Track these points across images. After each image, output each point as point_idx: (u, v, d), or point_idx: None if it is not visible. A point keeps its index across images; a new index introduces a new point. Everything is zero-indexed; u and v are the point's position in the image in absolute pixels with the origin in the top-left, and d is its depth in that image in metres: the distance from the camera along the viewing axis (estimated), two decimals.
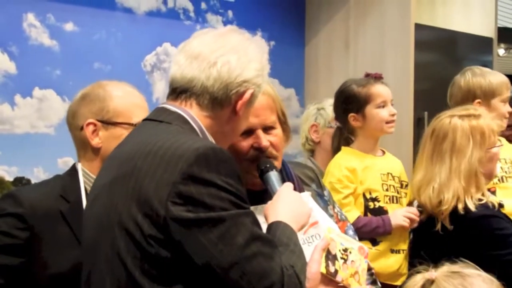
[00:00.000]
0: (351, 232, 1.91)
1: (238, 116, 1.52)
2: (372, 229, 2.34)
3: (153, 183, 1.33)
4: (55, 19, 2.97)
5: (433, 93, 3.10)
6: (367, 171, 2.42)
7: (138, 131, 1.55)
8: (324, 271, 1.46)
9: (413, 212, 2.38)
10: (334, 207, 1.93)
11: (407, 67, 3.57)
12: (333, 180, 2.39)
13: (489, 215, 2.31)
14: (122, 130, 1.83)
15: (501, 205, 2.48)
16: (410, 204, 2.49)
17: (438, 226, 2.30)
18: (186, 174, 1.31)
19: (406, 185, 2.49)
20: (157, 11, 3.38)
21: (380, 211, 2.40)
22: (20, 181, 2.83)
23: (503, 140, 2.84)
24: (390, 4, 3.66)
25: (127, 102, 1.88)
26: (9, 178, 2.82)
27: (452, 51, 4.30)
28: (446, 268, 1.52)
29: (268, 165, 1.66)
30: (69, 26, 3.03)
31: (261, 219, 1.51)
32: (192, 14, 3.54)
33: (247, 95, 1.51)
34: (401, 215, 2.36)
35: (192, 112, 1.49)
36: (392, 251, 2.40)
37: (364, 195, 2.41)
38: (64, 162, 2.74)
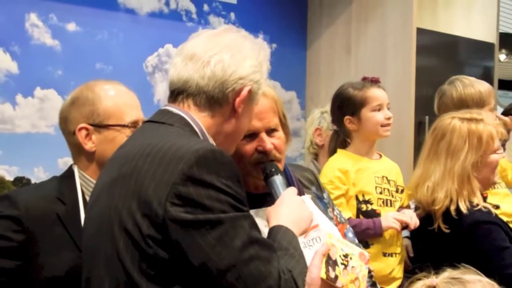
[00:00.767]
0: (350, 234, 1.91)
1: (238, 114, 1.52)
2: (362, 230, 2.32)
3: (153, 184, 1.33)
4: (57, 19, 2.98)
5: (434, 98, 3.11)
6: (361, 173, 2.42)
7: (139, 133, 1.55)
8: (324, 276, 1.46)
9: (406, 216, 2.37)
10: (333, 209, 1.93)
11: (408, 71, 3.57)
12: (324, 181, 2.38)
13: (485, 221, 2.32)
14: (115, 132, 1.82)
15: (497, 207, 2.50)
16: (402, 208, 2.48)
17: (435, 225, 2.32)
18: (186, 175, 1.31)
19: (402, 190, 2.49)
20: (159, 12, 3.39)
21: (373, 214, 2.39)
22: (20, 181, 2.84)
23: None
24: (392, 8, 3.67)
25: (117, 102, 1.85)
26: (10, 177, 2.82)
27: (453, 56, 4.30)
28: (447, 274, 1.52)
29: (273, 169, 1.66)
30: (71, 26, 3.03)
31: (262, 223, 1.52)
32: (194, 16, 3.55)
33: (244, 92, 1.50)
34: (392, 217, 2.35)
35: (192, 113, 1.49)
36: (385, 254, 2.39)
37: (357, 197, 2.41)
38: (65, 162, 2.73)
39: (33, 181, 2.84)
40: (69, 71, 3.00)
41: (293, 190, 1.62)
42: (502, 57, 6.70)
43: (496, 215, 2.40)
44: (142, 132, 1.54)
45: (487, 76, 4.51)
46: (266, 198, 1.67)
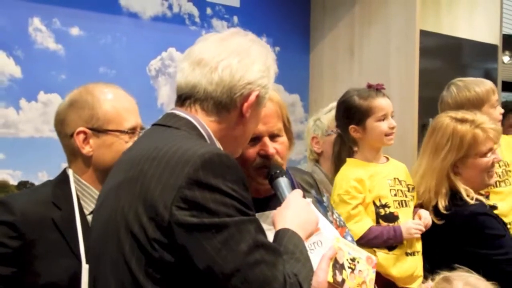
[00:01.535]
0: (349, 238, 1.91)
1: (246, 118, 1.52)
2: (383, 240, 2.35)
3: (159, 187, 1.33)
4: (60, 24, 2.99)
5: (438, 100, 3.11)
6: (374, 179, 2.44)
7: (146, 136, 1.55)
8: (331, 280, 1.45)
9: (424, 223, 2.40)
10: (333, 213, 1.93)
11: (412, 74, 3.57)
12: (341, 192, 2.40)
13: (480, 213, 2.39)
14: (113, 138, 1.80)
15: (494, 207, 2.53)
16: (417, 207, 2.50)
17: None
18: (192, 179, 1.31)
19: (413, 188, 2.51)
20: (162, 16, 3.39)
21: (391, 217, 2.41)
22: (24, 185, 2.84)
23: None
24: (395, 10, 3.66)
25: (117, 107, 1.83)
26: (13, 182, 2.83)
27: (456, 58, 4.30)
28: (441, 276, 1.57)
29: (278, 171, 1.66)
30: (74, 31, 3.04)
31: (265, 226, 1.51)
32: (197, 20, 3.55)
33: (252, 97, 1.50)
34: (412, 228, 2.37)
35: (200, 118, 1.49)
36: (407, 254, 2.40)
37: (374, 203, 2.41)
38: None
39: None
40: (73, 75, 3.00)
41: (298, 192, 1.62)
42: (506, 59, 6.69)
43: (490, 207, 2.48)
44: (148, 136, 1.54)
45: (490, 78, 4.50)
46: (268, 203, 1.67)
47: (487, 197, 2.74)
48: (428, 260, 2.41)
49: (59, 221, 1.74)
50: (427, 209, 2.44)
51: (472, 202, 2.40)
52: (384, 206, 2.41)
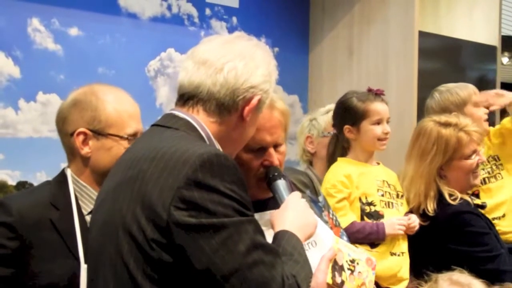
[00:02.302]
0: (345, 238, 1.92)
1: (246, 122, 1.53)
2: (365, 235, 2.38)
3: (157, 188, 1.33)
4: (59, 24, 2.98)
5: None
6: (363, 176, 2.47)
7: (145, 137, 1.56)
8: (330, 281, 1.45)
9: (409, 220, 2.42)
10: (329, 212, 1.94)
11: (411, 75, 3.57)
12: (327, 186, 2.45)
13: (464, 211, 2.45)
14: (113, 142, 1.80)
15: (483, 206, 2.58)
16: (407, 214, 2.51)
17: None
18: (190, 179, 1.31)
19: (402, 196, 2.54)
20: (161, 17, 3.39)
21: (376, 215, 2.44)
22: (23, 186, 2.84)
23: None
24: (394, 11, 3.66)
25: (120, 111, 1.82)
26: (12, 182, 2.82)
27: (456, 59, 4.30)
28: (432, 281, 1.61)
29: (276, 173, 1.66)
30: (73, 31, 3.04)
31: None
32: (196, 20, 3.55)
33: (254, 101, 1.51)
34: (395, 224, 2.39)
35: (200, 118, 1.50)
36: (392, 254, 2.42)
37: (360, 199, 2.44)
38: None
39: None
40: (72, 76, 2.99)
41: (297, 194, 1.62)
42: (505, 60, 6.70)
43: (477, 206, 2.56)
44: (147, 136, 1.54)
45: (489, 79, 4.51)
46: (265, 205, 1.67)
47: (477, 195, 2.80)
48: (415, 263, 2.43)
49: (57, 221, 1.74)
50: (416, 213, 2.48)
51: (456, 202, 2.45)
52: (370, 204, 2.44)
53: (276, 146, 1.70)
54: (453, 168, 2.50)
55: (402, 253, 2.44)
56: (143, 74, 3.30)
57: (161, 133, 1.49)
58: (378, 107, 2.49)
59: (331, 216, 1.92)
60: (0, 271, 1.68)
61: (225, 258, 1.30)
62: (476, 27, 4.39)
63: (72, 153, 1.84)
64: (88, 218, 1.77)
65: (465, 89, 2.99)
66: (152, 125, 1.57)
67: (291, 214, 1.53)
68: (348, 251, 1.54)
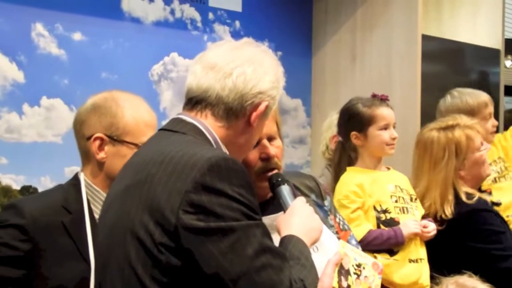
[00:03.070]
0: (353, 241, 1.91)
1: (252, 127, 1.53)
2: (383, 241, 2.36)
3: (166, 192, 1.33)
4: (63, 29, 2.99)
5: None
6: (375, 184, 2.45)
7: (152, 141, 1.56)
8: (336, 286, 1.45)
9: (426, 229, 2.42)
10: (335, 216, 1.93)
11: (414, 78, 3.56)
12: (340, 197, 2.43)
13: (481, 209, 2.47)
14: (128, 149, 1.81)
15: (498, 204, 2.59)
16: (424, 218, 2.51)
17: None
18: (198, 183, 1.32)
19: (416, 199, 2.52)
20: (164, 21, 3.40)
21: (392, 223, 2.41)
22: (27, 190, 2.84)
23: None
24: (397, 15, 3.66)
25: (138, 120, 1.84)
26: (17, 186, 2.83)
27: (459, 63, 4.30)
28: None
29: (280, 179, 1.66)
30: (77, 36, 3.04)
31: None
32: (199, 24, 3.55)
33: (261, 107, 1.51)
34: (412, 224, 2.38)
35: (207, 123, 1.50)
36: (410, 260, 2.40)
37: (375, 208, 2.42)
38: (71, 171, 2.71)
39: (40, 190, 2.83)
40: (75, 80, 3.00)
41: (302, 200, 1.62)
42: (508, 63, 6.68)
43: (493, 204, 2.60)
44: (155, 141, 1.54)
45: (492, 82, 4.50)
46: (265, 207, 1.67)
47: (490, 193, 2.81)
48: (434, 267, 2.42)
49: (69, 225, 1.75)
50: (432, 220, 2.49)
51: (473, 201, 2.46)
52: (385, 211, 2.42)
53: (270, 139, 1.71)
54: (469, 165, 2.52)
55: (421, 259, 2.42)
56: (147, 78, 3.31)
57: (168, 137, 1.49)
58: (384, 112, 2.48)
59: (337, 220, 1.92)
60: (12, 272, 1.68)
61: (234, 261, 1.29)
62: (479, 31, 4.39)
63: (87, 157, 1.86)
64: None
65: (476, 99, 2.97)
66: (160, 130, 1.58)
67: (297, 219, 1.53)
68: (354, 255, 1.54)
